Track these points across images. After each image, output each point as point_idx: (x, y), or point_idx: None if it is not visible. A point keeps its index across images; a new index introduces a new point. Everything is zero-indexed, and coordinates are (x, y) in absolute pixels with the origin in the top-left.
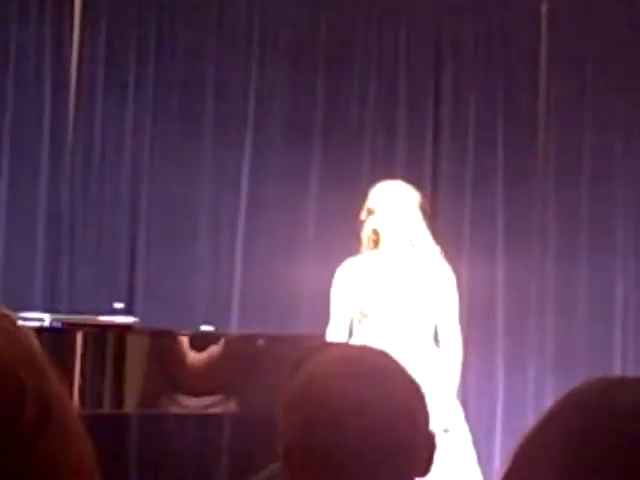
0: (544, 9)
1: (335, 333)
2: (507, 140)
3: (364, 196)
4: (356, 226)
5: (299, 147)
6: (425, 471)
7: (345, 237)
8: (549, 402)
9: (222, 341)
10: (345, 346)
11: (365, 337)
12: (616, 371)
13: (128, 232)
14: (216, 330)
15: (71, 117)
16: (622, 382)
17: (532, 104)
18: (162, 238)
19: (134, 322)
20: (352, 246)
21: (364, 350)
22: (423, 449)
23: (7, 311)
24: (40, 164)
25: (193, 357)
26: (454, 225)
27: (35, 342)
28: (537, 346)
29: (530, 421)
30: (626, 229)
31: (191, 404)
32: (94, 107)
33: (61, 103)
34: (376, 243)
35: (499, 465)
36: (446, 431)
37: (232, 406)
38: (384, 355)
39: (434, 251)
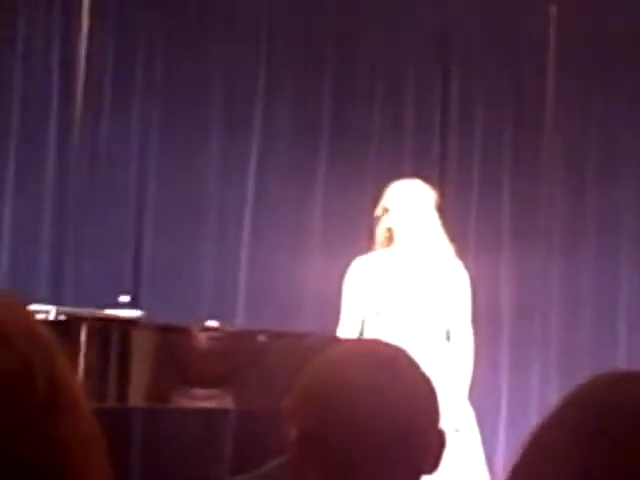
0: (553, 10)
1: (346, 331)
2: (515, 140)
3: (370, 195)
4: (370, 223)
5: (306, 146)
6: (433, 468)
7: (350, 236)
8: (553, 401)
9: (226, 336)
10: (360, 339)
11: (377, 335)
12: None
13: (134, 226)
14: (221, 326)
15: (78, 113)
16: (630, 375)
17: (540, 105)
18: (168, 233)
19: (139, 316)
20: (357, 245)
21: (379, 343)
22: (433, 445)
23: (13, 295)
24: (47, 158)
25: (197, 352)
26: (460, 224)
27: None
28: (542, 344)
29: (534, 419)
30: (630, 228)
31: (194, 399)
32: (102, 102)
33: (68, 99)
34: (390, 241)
35: (502, 464)
36: (457, 431)
37: (234, 402)
38: (398, 349)
39: (448, 250)
